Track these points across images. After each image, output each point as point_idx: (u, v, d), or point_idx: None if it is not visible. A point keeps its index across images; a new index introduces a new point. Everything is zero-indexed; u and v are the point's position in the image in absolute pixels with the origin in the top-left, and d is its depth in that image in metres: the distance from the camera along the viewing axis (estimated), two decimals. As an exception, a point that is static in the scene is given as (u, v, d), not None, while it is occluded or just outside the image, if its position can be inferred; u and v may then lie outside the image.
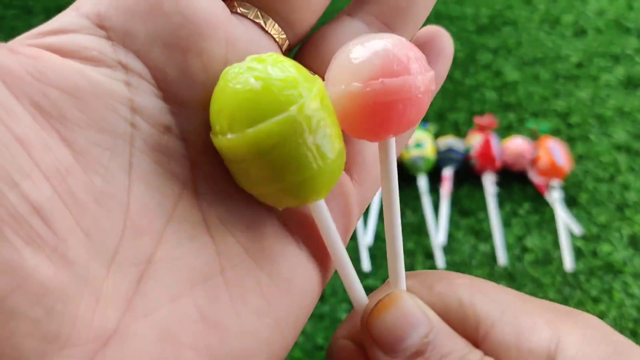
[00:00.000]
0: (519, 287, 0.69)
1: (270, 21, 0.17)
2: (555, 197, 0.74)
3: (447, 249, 0.70)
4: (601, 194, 0.78)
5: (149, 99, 0.14)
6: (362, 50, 0.15)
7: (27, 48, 0.13)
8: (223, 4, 0.16)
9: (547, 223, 0.74)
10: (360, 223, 0.70)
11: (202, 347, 0.14)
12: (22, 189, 0.11)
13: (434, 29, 0.20)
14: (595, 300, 0.69)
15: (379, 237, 0.70)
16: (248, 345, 0.14)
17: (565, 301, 0.69)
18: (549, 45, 0.93)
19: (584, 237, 0.74)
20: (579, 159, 0.81)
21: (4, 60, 0.12)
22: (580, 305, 0.69)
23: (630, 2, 1.02)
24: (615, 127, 0.85)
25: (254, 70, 0.14)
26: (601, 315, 0.68)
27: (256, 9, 0.16)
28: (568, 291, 0.70)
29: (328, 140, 0.14)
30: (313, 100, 0.14)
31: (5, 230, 0.11)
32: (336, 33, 0.20)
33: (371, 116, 0.15)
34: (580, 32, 0.96)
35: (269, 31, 0.17)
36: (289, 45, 0.18)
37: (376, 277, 0.67)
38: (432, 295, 0.17)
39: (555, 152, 0.75)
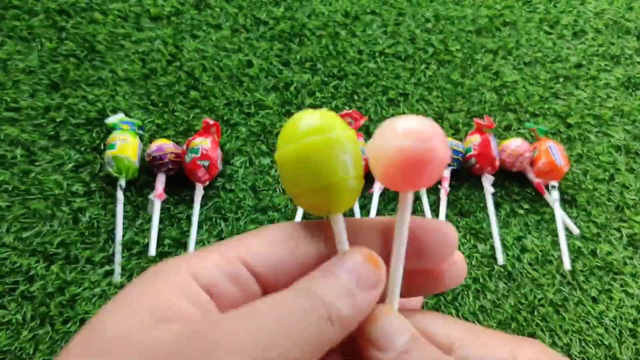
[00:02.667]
0: (518, 287, 0.69)
1: None
2: (554, 197, 0.74)
3: (446, 249, 0.70)
4: (600, 194, 0.78)
5: None
6: (407, 121, 0.20)
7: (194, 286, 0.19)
8: None
9: (546, 223, 0.74)
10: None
11: None
12: None
13: (445, 224, 0.24)
14: (595, 300, 0.69)
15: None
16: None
17: (564, 301, 0.69)
18: (548, 46, 0.93)
19: (584, 237, 0.74)
20: (578, 159, 0.81)
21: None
22: (579, 305, 0.69)
23: (629, 2, 1.02)
24: (615, 127, 0.85)
25: (310, 113, 0.21)
26: (601, 316, 0.68)
27: None
28: (567, 291, 0.70)
29: (350, 163, 0.20)
30: (342, 136, 0.20)
31: None
32: None
33: (403, 168, 0.20)
34: (580, 33, 0.96)
35: None
36: None
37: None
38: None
39: (554, 152, 0.75)
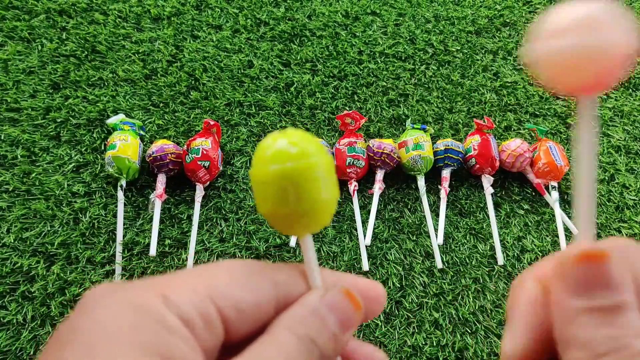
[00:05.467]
0: (518, 288, 0.69)
1: None
2: (554, 198, 0.74)
3: (446, 249, 0.71)
4: (600, 195, 0.78)
5: None
6: (570, 11, 0.16)
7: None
8: None
9: (546, 223, 0.74)
10: (359, 224, 0.70)
11: None
12: None
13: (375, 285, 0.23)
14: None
15: (378, 238, 0.70)
16: None
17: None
18: (548, 46, 0.93)
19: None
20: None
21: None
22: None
23: (629, 2, 1.02)
24: (615, 127, 0.85)
25: (289, 135, 0.20)
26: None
27: None
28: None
29: (326, 189, 0.20)
30: (321, 162, 0.20)
31: None
32: None
33: (573, 70, 0.16)
34: (580, 33, 0.96)
35: None
36: None
37: (375, 276, 0.67)
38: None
39: (554, 153, 0.75)
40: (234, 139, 0.77)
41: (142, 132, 0.74)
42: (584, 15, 0.16)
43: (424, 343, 0.64)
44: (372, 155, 0.73)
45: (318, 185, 0.20)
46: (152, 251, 0.65)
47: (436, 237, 0.70)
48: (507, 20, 0.96)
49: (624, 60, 0.16)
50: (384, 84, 0.85)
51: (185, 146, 0.71)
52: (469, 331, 0.65)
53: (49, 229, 0.66)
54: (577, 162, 0.18)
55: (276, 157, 0.20)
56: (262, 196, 0.20)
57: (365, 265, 0.67)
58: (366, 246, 0.69)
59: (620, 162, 0.81)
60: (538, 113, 0.85)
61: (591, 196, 0.18)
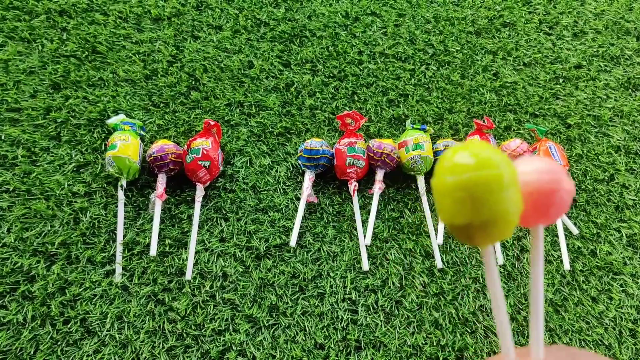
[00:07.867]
0: (517, 287, 0.69)
1: None
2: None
3: (446, 249, 0.71)
4: (600, 195, 0.78)
5: None
6: (531, 162, 0.22)
7: None
8: None
9: (546, 223, 0.74)
10: (359, 224, 0.70)
11: None
12: None
13: None
14: (595, 300, 0.70)
15: (378, 238, 0.71)
16: None
17: (564, 301, 0.69)
18: (547, 47, 0.93)
19: (583, 237, 0.74)
20: (578, 159, 0.81)
21: None
22: (579, 305, 0.69)
23: (629, 3, 1.02)
24: (614, 127, 0.85)
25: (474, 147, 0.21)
26: (601, 316, 0.68)
27: None
28: (567, 291, 0.70)
29: (511, 201, 0.20)
30: (507, 172, 0.20)
31: None
32: None
33: (535, 199, 0.21)
34: (579, 34, 0.97)
35: None
36: None
37: (375, 276, 0.67)
38: None
39: (554, 152, 0.75)
40: (235, 139, 0.77)
41: (142, 132, 0.74)
42: (545, 165, 0.21)
43: (424, 343, 0.64)
44: (372, 155, 0.73)
45: (497, 197, 0.20)
46: (153, 251, 0.65)
47: (436, 237, 0.70)
48: (507, 21, 0.96)
49: (570, 197, 0.21)
50: (384, 84, 0.85)
51: (186, 146, 0.71)
52: (469, 331, 0.65)
53: (49, 228, 0.66)
54: (531, 283, 0.23)
55: (454, 169, 0.20)
56: (441, 206, 0.21)
57: (365, 265, 0.68)
58: (366, 246, 0.69)
59: (620, 162, 0.81)
60: (538, 113, 0.85)
61: (540, 320, 0.22)
